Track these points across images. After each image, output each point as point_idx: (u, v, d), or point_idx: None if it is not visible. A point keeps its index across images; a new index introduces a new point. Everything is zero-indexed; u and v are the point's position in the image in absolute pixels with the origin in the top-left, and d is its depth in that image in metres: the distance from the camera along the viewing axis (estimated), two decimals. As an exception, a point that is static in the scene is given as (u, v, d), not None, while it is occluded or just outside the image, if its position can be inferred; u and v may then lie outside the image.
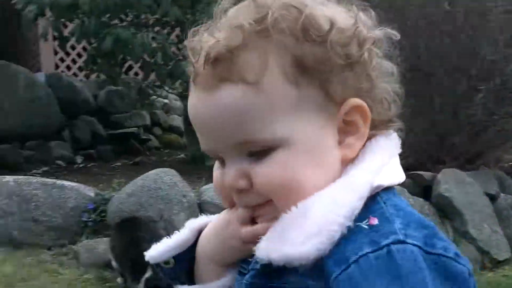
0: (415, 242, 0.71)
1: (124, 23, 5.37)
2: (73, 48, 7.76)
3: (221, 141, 0.78)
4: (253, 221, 0.80)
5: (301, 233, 0.74)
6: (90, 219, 3.96)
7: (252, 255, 0.77)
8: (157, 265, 0.89)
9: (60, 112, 6.28)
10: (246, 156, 0.78)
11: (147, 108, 6.79)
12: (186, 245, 0.88)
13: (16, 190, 3.91)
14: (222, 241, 0.85)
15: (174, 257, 0.89)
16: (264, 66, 0.75)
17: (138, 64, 6.18)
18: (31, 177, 4.23)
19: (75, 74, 7.69)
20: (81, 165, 6.03)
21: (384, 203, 0.77)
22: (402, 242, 0.71)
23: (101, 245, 3.84)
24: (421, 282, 0.69)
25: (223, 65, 0.76)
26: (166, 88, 6.10)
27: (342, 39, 0.77)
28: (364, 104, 0.78)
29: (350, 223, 0.73)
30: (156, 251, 0.89)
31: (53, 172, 5.56)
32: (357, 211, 0.74)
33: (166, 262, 0.89)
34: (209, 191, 3.98)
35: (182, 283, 0.89)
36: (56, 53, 7.92)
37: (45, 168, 5.73)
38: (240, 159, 0.78)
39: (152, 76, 7.24)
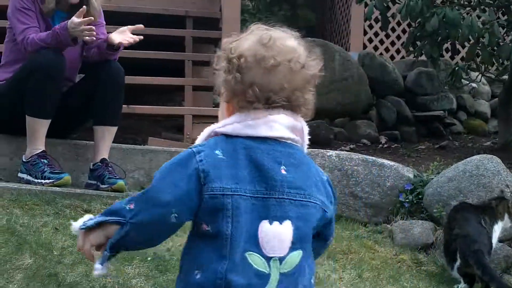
0: (191, 149, 1.39)
1: (448, 3, 5.22)
2: (381, 29, 7.78)
3: None
4: None
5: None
6: (406, 200, 3.91)
7: None
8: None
9: (370, 92, 6.34)
10: None
11: (455, 91, 6.54)
12: None
13: (338, 165, 4.00)
14: None
15: None
16: None
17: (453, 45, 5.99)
18: (352, 153, 4.29)
19: (381, 54, 7.72)
20: (385, 145, 6.01)
21: (209, 139, 1.42)
22: (190, 149, 1.39)
23: (416, 227, 3.76)
24: (179, 159, 1.38)
25: None
26: (480, 71, 5.84)
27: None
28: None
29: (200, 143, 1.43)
30: None
31: (359, 150, 5.63)
32: (203, 138, 1.43)
33: None
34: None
35: None
36: (365, 33, 8.02)
37: (351, 146, 5.82)
38: None
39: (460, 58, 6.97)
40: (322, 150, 4.19)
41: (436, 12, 4.67)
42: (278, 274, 1.33)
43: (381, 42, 8.06)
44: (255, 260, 1.32)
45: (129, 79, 4.70)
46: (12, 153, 3.62)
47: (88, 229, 1.39)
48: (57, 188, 3.41)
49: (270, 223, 1.34)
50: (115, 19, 3.76)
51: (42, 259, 2.69)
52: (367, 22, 7.91)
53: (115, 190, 3.51)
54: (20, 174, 3.57)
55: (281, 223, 1.35)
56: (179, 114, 4.84)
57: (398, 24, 7.97)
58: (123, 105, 3.82)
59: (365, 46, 7.94)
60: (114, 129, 3.65)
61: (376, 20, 7.40)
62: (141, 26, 3.62)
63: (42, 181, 3.46)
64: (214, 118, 4.48)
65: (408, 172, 4.05)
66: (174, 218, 1.34)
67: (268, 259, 1.33)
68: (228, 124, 1.40)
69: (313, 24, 8.55)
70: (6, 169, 3.67)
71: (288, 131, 1.40)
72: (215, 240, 1.33)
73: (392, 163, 4.10)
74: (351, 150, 5.55)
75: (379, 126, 6.23)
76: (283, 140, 1.40)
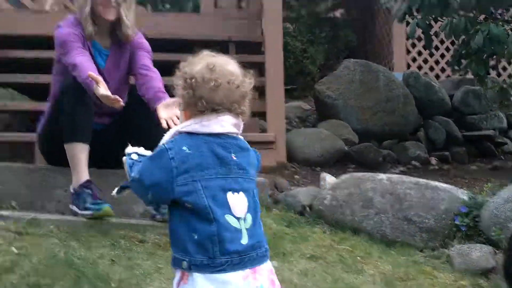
0: (163, 146, 1.85)
1: (492, 19, 5.14)
2: (424, 48, 7.71)
3: None
4: None
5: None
6: (463, 223, 3.82)
7: None
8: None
9: (417, 112, 6.26)
10: None
11: (504, 109, 6.42)
12: None
13: (389, 188, 3.94)
14: None
15: None
16: None
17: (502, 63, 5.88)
18: (403, 176, 4.22)
19: (425, 73, 7.63)
20: (436, 167, 5.92)
21: (175, 137, 1.89)
22: (163, 146, 1.86)
23: (475, 252, 3.66)
24: (156, 154, 1.86)
25: None
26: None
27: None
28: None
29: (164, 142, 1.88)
30: None
31: (409, 172, 5.55)
32: (169, 136, 1.90)
33: None
34: None
35: None
36: (408, 52, 7.95)
37: (401, 168, 5.74)
38: None
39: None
40: (372, 174, 4.13)
41: (481, 29, 4.61)
42: (245, 229, 1.85)
43: (425, 61, 7.99)
44: (231, 220, 1.83)
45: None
46: (66, 185, 3.64)
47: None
48: (113, 219, 3.42)
49: (233, 193, 1.86)
50: (158, 46, 3.78)
51: (101, 292, 2.69)
52: (410, 41, 7.86)
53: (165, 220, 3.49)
54: (70, 206, 3.58)
55: (238, 193, 1.87)
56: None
57: (442, 42, 7.90)
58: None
59: (408, 66, 7.88)
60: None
61: (419, 39, 7.35)
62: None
63: (84, 212, 3.42)
64: (261, 144, 4.60)
65: (463, 194, 3.97)
66: (150, 196, 1.88)
67: (238, 218, 1.85)
68: (187, 125, 1.89)
69: (355, 45, 8.52)
70: (61, 201, 3.70)
71: (233, 127, 1.90)
72: (200, 212, 1.81)
73: (445, 185, 4.03)
74: (401, 172, 5.48)
75: (428, 147, 6.14)
76: (231, 134, 1.90)
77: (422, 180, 4.04)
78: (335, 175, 4.75)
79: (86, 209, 3.42)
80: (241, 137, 1.94)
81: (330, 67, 7.94)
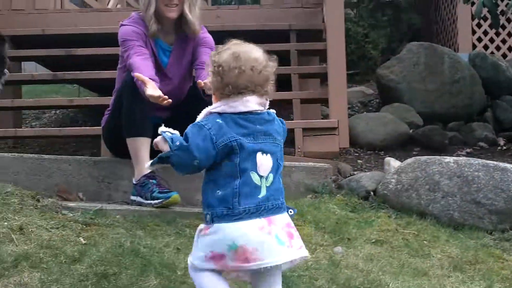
0: (199, 123, 2.17)
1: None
2: (491, 27, 7.49)
3: None
4: None
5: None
6: (534, 205, 3.69)
7: None
8: None
9: (484, 93, 6.09)
10: None
11: None
12: None
13: (457, 171, 3.84)
14: None
15: None
16: None
17: None
18: (471, 158, 4.11)
19: (492, 53, 7.41)
20: (504, 148, 5.73)
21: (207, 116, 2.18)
22: (198, 122, 2.17)
23: (547, 234, 3.55)
24: (195, 130, 2.15)
25: None
26: None
27: None
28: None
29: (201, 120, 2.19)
30: None
31: (476, 154, 5.40)
32: (202, 116, 2.19)
33: None
34: None
35: None
36: (473, 33, 7.74)
37: (468, 150, 5.60)
38: None
39: None
40: (439, 157, 4.04)
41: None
42: (265, 186, 2.13)
43: (491, 40, 7.76)
44: (255, 177, 2.12)
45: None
46: (131, 176, 3.70)
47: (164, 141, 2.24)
48: (177, 208, 3.46)
49: (262, 154, 2.14)
50: (220, 38, 3.79)
51: (167, 280, 2.71)
52: (475, 21, 7.64)
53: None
54: (131, 197, 3.64)
55: (267, 155, 2.15)
56: (289, 128, 4.80)
57: (508, 21, 7.65)
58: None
59: (474, 46, 7.66)
60: None
61: (485, 18, 7.13)
62: None
63: (152, 201, 3.49)
64: (324, 130, 4.51)
65: (534, 175, 3.83)
66: (196, 163, 2.13)
67: (261, 177, 2.12)
68: (217, 106, 2.18)
69: (419, 27, 8.34)
70: (126, 192, 3.77)
71: (258, 106, 2.17)
72: (230, 169, 2.11)
73: (515, 166, 3.90)
74: (468, 154, 5.34)
75: (496, 128, 5.95)
76: (255, 111, 2.16)
77: (491, 162, 3.92)
78: (400, 159, 4.67)
79: (154, 198, 3.48)
80: (265, 111, 2.21)
81: (392, 51, 7.81)
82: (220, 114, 2.16)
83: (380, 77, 6.20)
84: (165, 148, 2.19)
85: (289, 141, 5.58)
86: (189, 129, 2.18)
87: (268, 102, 2.21)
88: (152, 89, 3.26)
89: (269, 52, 2.19)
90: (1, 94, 5.30)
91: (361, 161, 5.13)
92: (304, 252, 2.17)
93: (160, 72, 3.66)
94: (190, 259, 2.21)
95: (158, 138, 2.24)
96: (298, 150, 4.55)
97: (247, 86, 2.13)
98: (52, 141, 5.78)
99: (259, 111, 2.17)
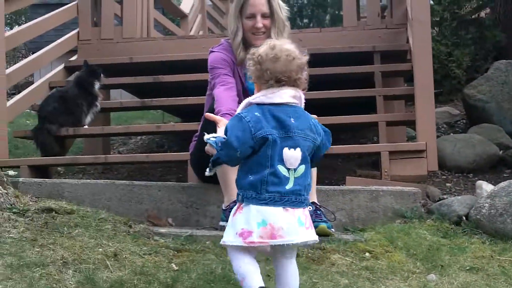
0: (239, 114, 2.45)
1: None
2: None
3: None
4: None
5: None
6: None
7: None
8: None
9: None
10: None
11: None
12: None
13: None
14: None
15: None
16: None
17: None
18: None
19: None
20: None
21: (247, 107, 2.48)
22: (239, 114, 2.46)
23: None
24: (235, 122, 2.43)
25: None
26: None
27: None
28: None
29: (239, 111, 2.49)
30: None
31: None
32: (243, 106, 2.50)
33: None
34: None
35: None
36: None
37: None
38: None
39: None
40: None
41: None
42: (293, 177, 2.41)
43: None
44: (282, 169, 2.39)
45: (324, 120, 4.74)
46: (219, 201, 3.74)
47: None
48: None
49: (289, 149, 2.40)
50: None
51: (259, 307, 2.71)
52: None
53: (318, 233, 3.48)
54: (220, 223, 3.66)
55: (295, 149, 2.41)
56: (375, 152, 4.75)
57: None
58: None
59: None
60: (315, 171, 3.65)
61: None
62: (314, 116, 3.53)
63: None
64: (411, 153, 4.42)
65: None
66: (239, 154, 2.40)
67: (288, 169, 2.40)
68: (256, 97, 2.47)
69: (503, 45, 8.09)
70: (215, 217, 3.81)
71: (292, 98, 2.45)
72: (263, 158, 2.39)
73: None
74: None
75: None
76: (289, 103, 2.45)
77: None
78: (490, 181, 4.53)
79: None
80: (299, 106, 2.49)
81: (477, 69, 7.61)
82: (258, 104, 2.45)
83: (467, 97, 6.05)
84: (214, 152, 2.47)
85: (373, 164, 5.53)
86: (230, 121, 2.47)
87: (303, 97, 2.51)
88: (223, 130, 3.25)
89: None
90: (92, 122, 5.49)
91: (449, 184, 5.01)
92: (315, 236, 2.49)
93: None
94: (222, 240, 2.48)
95: (207, 146, 2.52)
96: (385, 174, 4.47)
97: (283, 70, 2.42)
98: (140, 166, 5.93)
99: (293, 104, 2.47)
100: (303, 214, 2.43)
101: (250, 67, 2.50)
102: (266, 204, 2.37)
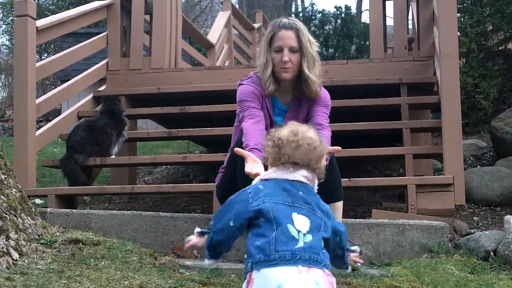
0: (246, 190, 2.33)
1: None
2: None
3: None
4: None
5: None
6: None
7: None
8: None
9: None
10: None
11: None
12: None
13: None
14: None
15: None
16: None
17: None
18: None
19: None
20: None
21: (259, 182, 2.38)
22: (245, 189, 2.34)
23: None
24: (238, 195, 2.35)
25: None
26: None
27: None
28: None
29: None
30: None
31: None
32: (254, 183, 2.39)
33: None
34: None
35: None
36: None
37: None
38: None
39: None
40: None
41: None
42: (302, 241, 2.19)
43: None
44: (291, 229, 2.20)
45: (350, 152, 4.74)
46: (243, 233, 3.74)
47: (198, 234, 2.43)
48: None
49: (297, 214, 2.24)
50: (330, 93, 3.79)
51: None
52: None
53: None
54: (245, 255, 3.64)
55: (303, 217, 2.25)
56: (402, 185, 4.72)
57: None
58: (345, 179, 3.79)
59: None
60: (340, 204, 3.64)
61: None
62: (339, 148, 3.49)
63: None
64: (438, 186, 4.38)
65: None
66: (231, 223, 2.27)
67: (298, 231, 2.20)
68: (268, 174, 2.39)
69: (533, 76, 8.04)
70: (239, 249, 3.80)
71: (303, 178, 2.34)
72: (266, 224, 2.22)
73: None
74: None
75: None
76: (300, 181, 2.33)
77: None
78: (519, 216, 4.46)
79: None
80: (311, 185, 2.37)
81: (504, 100, 7.56)
82: (268, 180, 2.37)
83: (494, 129, 6.01)
84: (202, 240, 2.39)
85: (399, 196, 5.50)
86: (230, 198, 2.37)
87: (317, 181, 2.39)
88: (251, 165, 3.10)
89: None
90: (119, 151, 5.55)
91: (476, 218, 4.95)
92: None
93: None
94: None
95: (197, 239, 2.43)
96: (412, 207, 4.44)
97: (302, 158, 2.33)
98: (166, 195, 5.96)
99: (303, 182, 2.35)
100: (321, 278, 2.16)
101: (269, 148, 2.39)
102: (277, 264, 2.14)
